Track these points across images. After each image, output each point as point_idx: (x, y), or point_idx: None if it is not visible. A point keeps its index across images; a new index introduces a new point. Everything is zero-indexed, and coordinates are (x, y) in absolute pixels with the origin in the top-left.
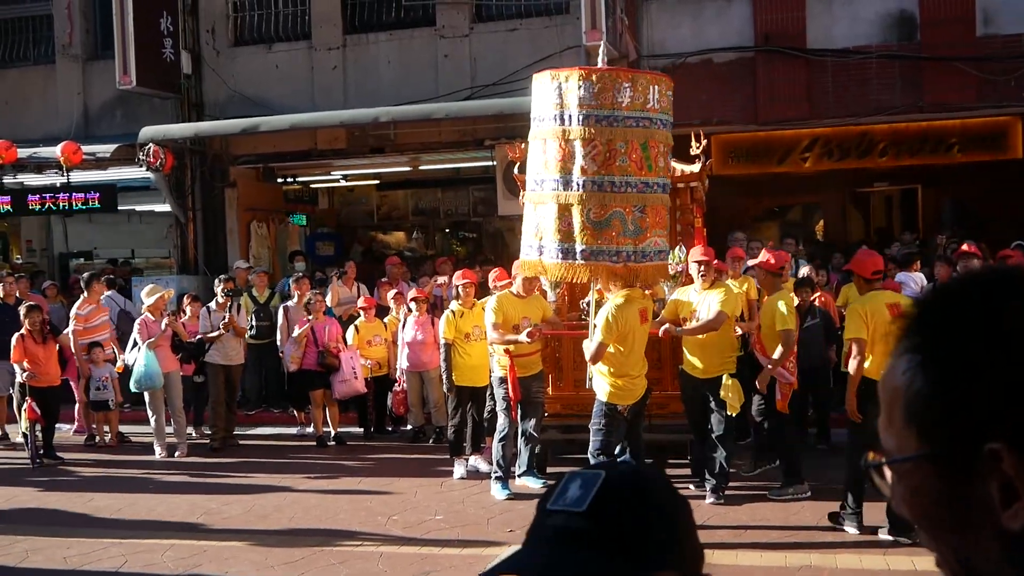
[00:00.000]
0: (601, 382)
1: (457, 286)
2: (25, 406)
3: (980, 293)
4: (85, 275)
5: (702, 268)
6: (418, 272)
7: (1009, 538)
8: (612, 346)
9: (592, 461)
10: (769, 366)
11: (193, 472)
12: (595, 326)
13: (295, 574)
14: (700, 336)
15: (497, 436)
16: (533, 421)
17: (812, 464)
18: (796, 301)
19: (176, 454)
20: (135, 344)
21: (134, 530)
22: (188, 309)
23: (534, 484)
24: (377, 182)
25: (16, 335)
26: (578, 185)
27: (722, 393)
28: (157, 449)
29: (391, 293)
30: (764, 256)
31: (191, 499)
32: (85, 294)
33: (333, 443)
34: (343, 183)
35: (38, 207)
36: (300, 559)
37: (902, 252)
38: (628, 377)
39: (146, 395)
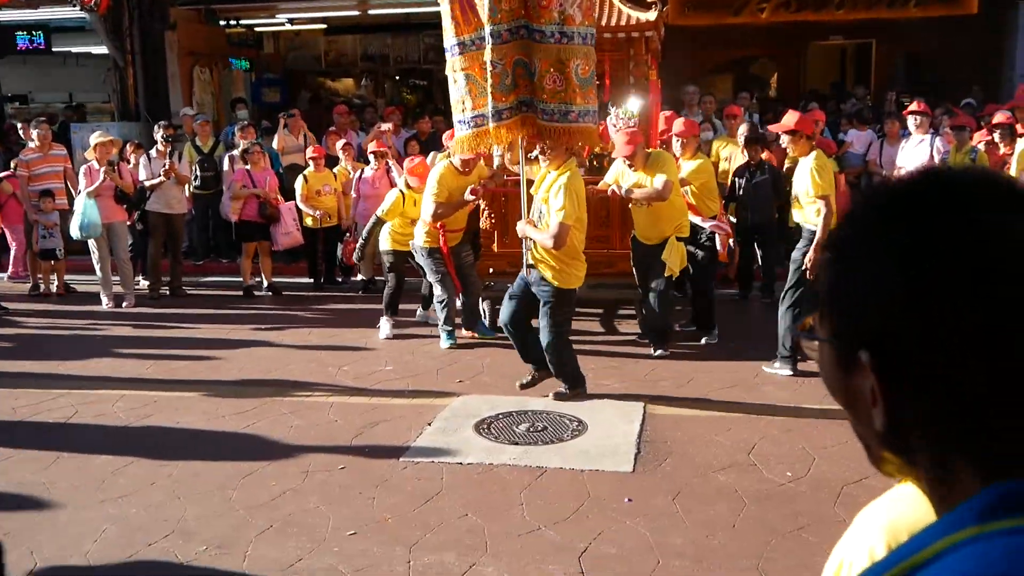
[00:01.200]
0: (557, 267)
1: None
2: None
3: (900, 206)
4: (32, 122)
5: (685, 141)
6: (364, 120)
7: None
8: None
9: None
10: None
11: (140, 323)
12: (542, 207)
13: (246, 423)
14: (646, 205)
15: (436, 302)
16: (472, 288)
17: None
18: (744, 158)
19: (123, 304)
20: (80, 192)
21: (83, 381)
22: (132, 157)
23: (485, 333)
24: (324, 27)
25: None
26: (568, 36)
27: (664, 254)
28: (104, 299)
29: (340, 143)
30: (791, 119)
31: (139, 351)
32: (33, 141)
33: (268, 293)
34: (289, 27)
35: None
36: (251, 409)
37: (855, 107)
38: (580, 260)
39: (91, 244)
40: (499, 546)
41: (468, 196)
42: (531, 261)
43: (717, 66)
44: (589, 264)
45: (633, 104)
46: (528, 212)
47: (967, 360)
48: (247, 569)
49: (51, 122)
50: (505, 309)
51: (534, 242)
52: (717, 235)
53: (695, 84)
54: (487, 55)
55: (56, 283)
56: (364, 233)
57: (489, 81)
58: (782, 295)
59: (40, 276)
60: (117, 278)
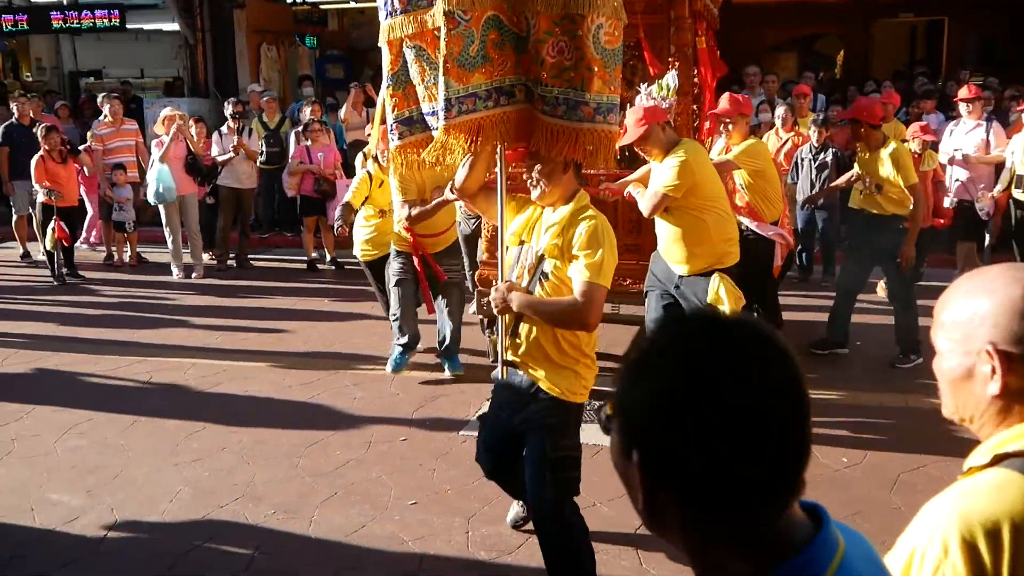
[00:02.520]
0: (560, 366)
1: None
2: (52, 225)
3: (675, 346)
4: (101, 96)
5: (730, 121)
6: None
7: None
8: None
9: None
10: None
11: (209, 294)
12: (539, 262)
13: (311, 394)
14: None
15: (391, 317)
16: (452, 311)
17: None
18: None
19: (193, 275)
20: (153, 162)
21: (156, 349)
22: (194, 131)
23: (456, 370)
24: None
25: (36, 156)
26: None
27: (711, 297)
28: (174, 270)
29: None
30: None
31: (208, 320)
32: (107, 116)
33: (332, 267)
34: (353, 4)
35: (59, 25)
36: (315, 380)
37: (923, 88)
38: (592, 355)
39: (162, 213)
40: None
41: (448, 194)
42: (512, 358)
43: (780, 44)
44: (615, 273)
45: (670, 79)
46: (502, 270)
47: (684, 472)
48: (312, 533)
49: (123, 97)
50: (484, 461)
51: (522, 326)
52: (777, 245)
53: (757, 64)
54: (439, 5)
55: (129, 253)
56: (337, 222)
57: (442, 51)
58: (889, 293)
59: (114, 246)
60: (187, 249)
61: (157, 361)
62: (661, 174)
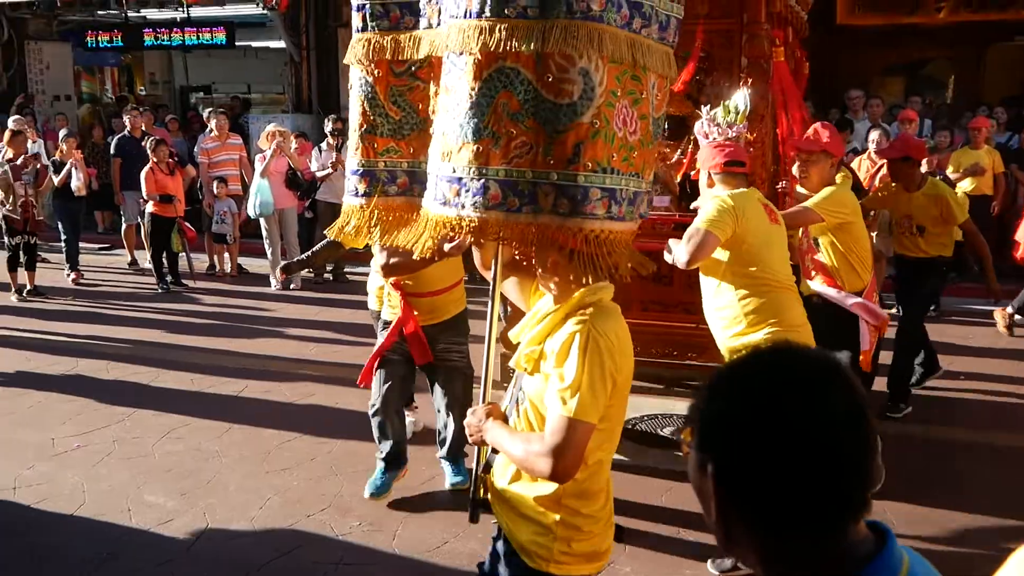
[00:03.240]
0: (547, 526)
1: None
2: (176, 230)
3: (744, 381)
4: (206, 111)
5: (806, 158)
6: None
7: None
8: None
9: None
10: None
11: (305, 305)
12: (530, 382)
13: None
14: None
15: (370, 411)
16: (454, 404)
17: None
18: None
19: (291, 287)
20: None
21: (252, 358)
22: (294, 147)
23: (450, 478)
24: None
25: (146, 168)
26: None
27: None
28: (272, 281)
29: None
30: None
31: (303, 332)
32: (214, 131)
33: None
34: None
35: (152, 40)
36: None
37: None
38: (607, 501)
39: (262, 225)
40: (637, 547)
41: (446, 245)
42: (485, 497)
43: (886, 68)
44: (668, 341)
45: (740, 100)
46: (486, 387)
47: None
48: (396, 547)
49: (231, 112)
50: None
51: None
52: (861, 322)
53: (861, 88)
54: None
55: (229, 264)
56: (313, 249)
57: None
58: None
59: (216, 257)
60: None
61: (253, 370)
62: (701, 211)
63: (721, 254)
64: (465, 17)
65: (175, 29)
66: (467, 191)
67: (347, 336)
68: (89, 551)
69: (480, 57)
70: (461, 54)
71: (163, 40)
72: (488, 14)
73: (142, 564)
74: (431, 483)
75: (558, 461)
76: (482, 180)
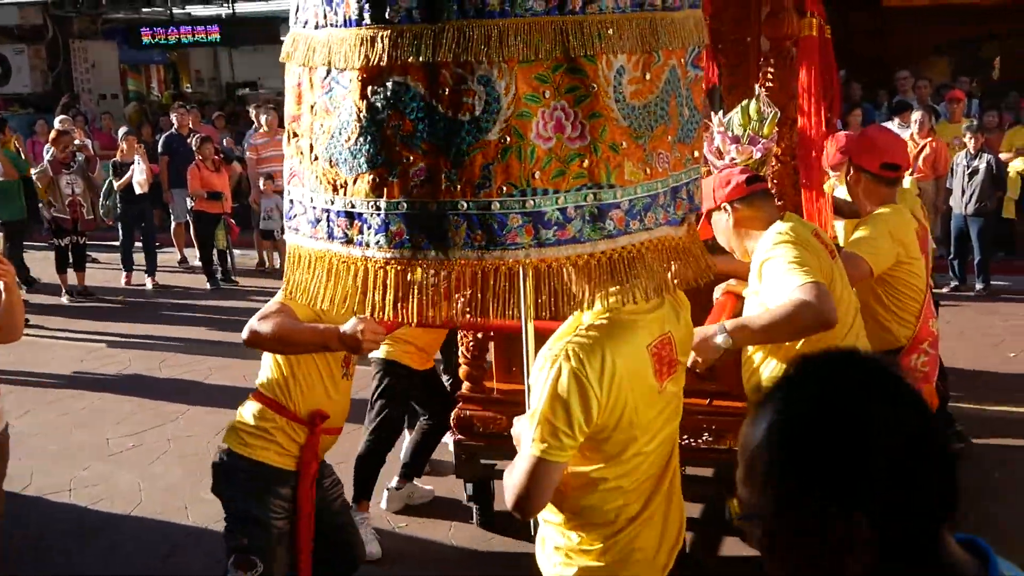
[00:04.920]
0: (554, 555)
1: None
2: (220, 226)
3: (822, 377)
4: (254, 107)
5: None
6: None
7: None
8: (583, 464)
9: None
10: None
11: None
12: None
13: None
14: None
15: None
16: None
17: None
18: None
19: None
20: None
21: None
22: None
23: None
24: None
25: (191, 165)
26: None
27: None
28: None
29: None
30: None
31: None
32: (263, 127)
33: None
34: None
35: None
36: None
37: None
38: (627, 539)
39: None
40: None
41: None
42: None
43: (933, 48)
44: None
45: (761, 102)
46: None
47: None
48: (452, 540)
49: (279, 109)
50: None
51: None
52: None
53: (908, 69)
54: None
55: (278, 260)
56: None
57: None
58: None
59: (264, 252)
60: None
61: None
62: (777, 269)
63: None
64: (345, 26)
65: (171, 29)
66: (368, 228)
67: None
68: (148, 550)
69: (363, 73)
70: (343, 70)
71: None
72: (368, 21)
73: (203, 559)
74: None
75: (517, 497)
76: (381, 215)
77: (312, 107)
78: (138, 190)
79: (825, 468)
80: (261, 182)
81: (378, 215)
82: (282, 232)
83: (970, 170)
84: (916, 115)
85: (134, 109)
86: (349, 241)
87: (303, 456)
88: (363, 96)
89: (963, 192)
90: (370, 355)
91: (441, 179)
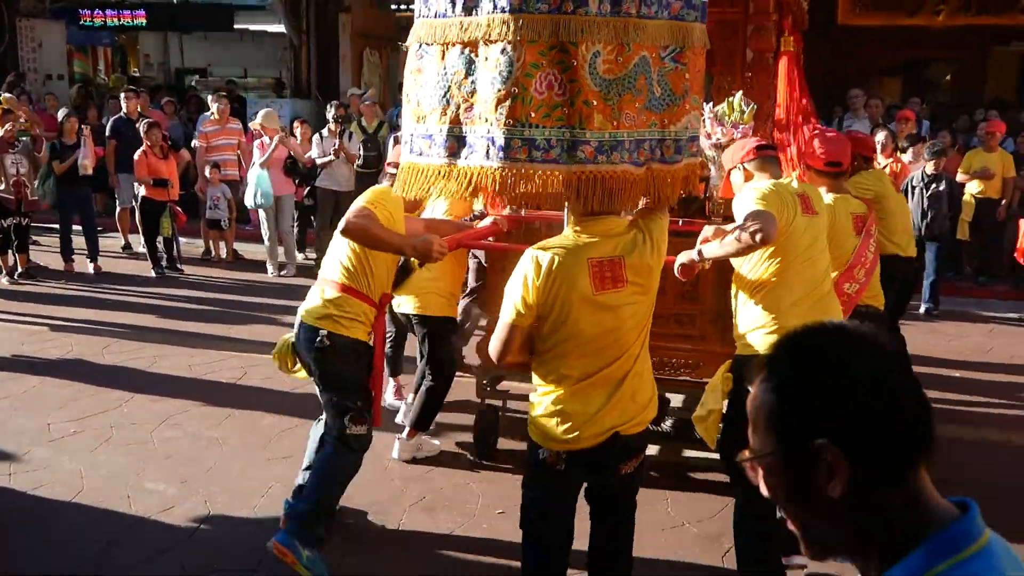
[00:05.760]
0: (530, 399)
1: None
2: (166, 214)
3: (811, 345)
4: (210, 95)
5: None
6: None
7: (830, 504)
8: (537, 340)
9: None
10: None
11: (301, 294)
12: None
13: (402, 398)
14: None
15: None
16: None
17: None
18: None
19: (283, 272)
20: (254, 164)
21: (250, 344)
22: (299, 133)
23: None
24: None
25: (138, 152)
26: (575, 1)
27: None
28: (269, 268)
29: None
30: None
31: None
32: (214, 114)
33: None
34: None
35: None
36: (406, 384)
37: None
38: (560, 401)
39: (261, 215)
40: (643, 538)
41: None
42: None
43: (885, 69)
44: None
45: (744, 103)
46: None
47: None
48: (400, 538)
49: (230, 96)
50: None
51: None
52: None
53: (860, 87)
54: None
55: (225, 250)
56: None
57: (413, 83)
58: None
59: (211, 242)
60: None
61: (251, 357)
62: (741, 206)
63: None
64: (435, 17)
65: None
66: (435, 144)
67: None
68: (90, 538)
69: (444, 47)
70: (432, 44)
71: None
72: (455, 14)
73: (144, 551)
74: (434, 472)
75: (495, 350)
76: (444, 135)
77: (466, 72)
78: (82, 172)
79: (816, 415)
80: (207, 170)
81: (448, 138)
82: (230, 222)
83: (930, 193)
84: (880, 135)
85: (78, 91)
86: (421, 154)
87: (376, 330)
88: (442, 59)
89: (923, 214)
90: (401, 310)
91: (481, 114)
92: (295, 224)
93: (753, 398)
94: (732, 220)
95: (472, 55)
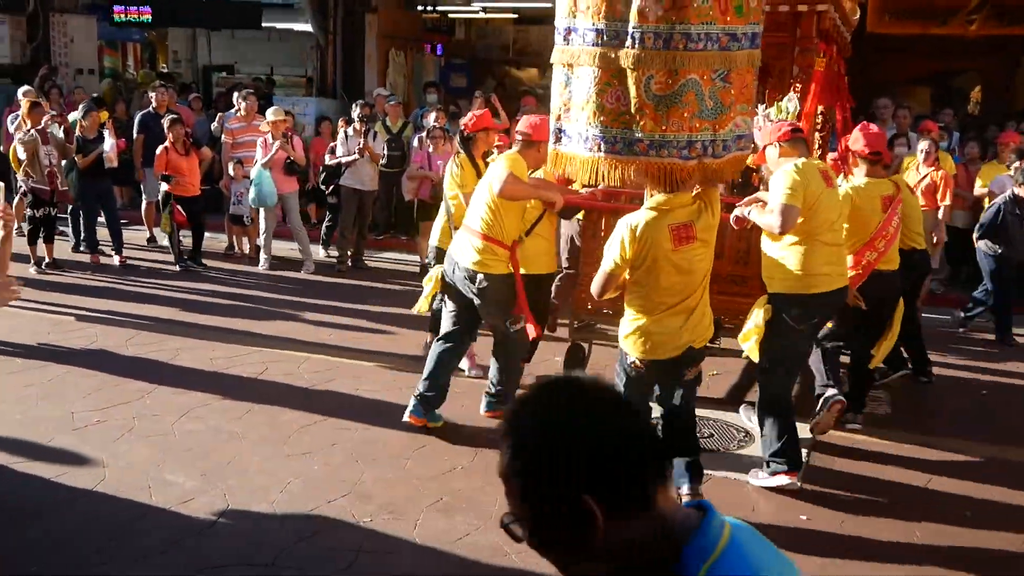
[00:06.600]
0: (622, 322)
1: None
2: (167, 211)
3: (546, 405)
4: (243, 92)
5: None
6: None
7: (589, 547)
8: (629, 275)
9: None
10: None
11: (324, 291)
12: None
13: None
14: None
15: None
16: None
17: None
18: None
19: (302, 271)
20: (256, 162)
21: (271, 340)
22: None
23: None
24: (515, 16)
25: (160, 147)
26: (634, 39)
27: (748, 325)
28: (261, 262)
29: None
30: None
31: (322, 317)
32: (241, 111)
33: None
34: (481, 15)
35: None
36: None
37: None
38: (646, 324)
39: (261, 213)
40: None
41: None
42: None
43: (913, 78)
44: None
45: (789, 103)
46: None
47: None
48: (416, 537)
49: (257, 94)
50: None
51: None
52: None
53: (888, 96)
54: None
55: (248, 245)
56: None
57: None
58: None
59: (235, 238)
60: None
61: (272, 352)
62: (773, 189)
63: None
64: (579, 45)
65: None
66: (553, 135)
67: (366, 322)
68: (109, 526)
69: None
70: (554, 64)
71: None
72: (559, 44)
73: (162, 541)
74: (452, 474)
75: (595, 290)
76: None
77: (566, 85)
78: (107, 165)
79: (554, 470)
80: (231, 167)
81: (554, 131)
82: (253, 218)
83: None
84: (922, 144)
85: (108, 85)
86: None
87: (512, 263)
88: (598, 82)
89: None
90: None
91: (573, 115)
92: (326, 222)
93: (501, 463)
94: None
95: (569, 73)
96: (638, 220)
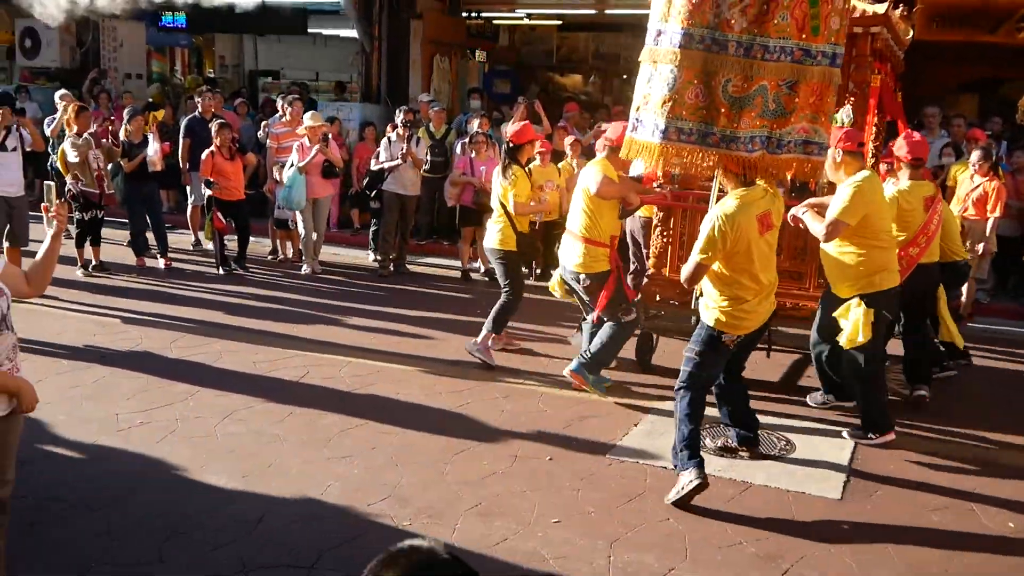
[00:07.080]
0: (708, 305)
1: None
2: (209, 216)
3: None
4: (288, 98)
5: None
6: (593, 118)
7: None
8: (718, 265)
9: (676, 395)
10: None
11: (366, 296)
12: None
13: (460, 403)
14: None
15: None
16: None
17: None
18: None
19: (304, 269)
20: (291, 164)
21: (313, 344)
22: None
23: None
24: (559, 23)
25: (207, 151)
26: (720, 45)
27: (848, 327)
28: (304, 267)
29: (568, 139)
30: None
31: (363, 321)
32: (286, 116)
33: (485, 278)
34: (526, 21)
35: None
36: (465, 390)
37: None
38: (742, 302)
39: (297, 216)
40: (698, 554)
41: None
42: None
43: (961, 86)
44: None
45: (844, 115)
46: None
47: None
48: (455, 541)
49: (302, 98)
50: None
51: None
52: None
53: (936, 104)
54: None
55: (292, 250)
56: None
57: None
58: None
59: (278, 242)
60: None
61: (314, 356)
62: (836, 200)
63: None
64: (666, 46)
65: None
66: (630, 124)
67: (407, 326)
68: (152, 528)
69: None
70: (641, 61)
71: None
72: (648, 44)
73: (204, 544)
74: (492, 479)
75: (686, 278)
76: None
77: (648, 80)
78: (151, 168)
79: None
80: (275, 171)
81: (632, 121)
82: (295, 223)
83: None
84: (975, 155)
85: (157, 90)
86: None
87: (612, 259)
88: (688, 78)
89: None
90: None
91: (652, 107)
92: (372, 227)
93: None
94: (831, 193)
95: (653, 70)
96: (732, 212)
